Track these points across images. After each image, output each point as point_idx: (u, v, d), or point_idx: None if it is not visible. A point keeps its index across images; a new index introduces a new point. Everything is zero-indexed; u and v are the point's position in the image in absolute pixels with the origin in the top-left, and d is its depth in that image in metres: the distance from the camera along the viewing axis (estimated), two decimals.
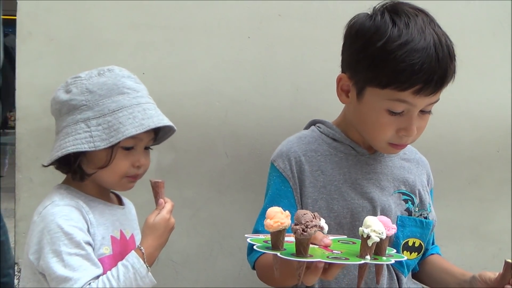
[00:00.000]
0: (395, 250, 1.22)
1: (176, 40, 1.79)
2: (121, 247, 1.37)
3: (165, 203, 1.38)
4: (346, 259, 1.06)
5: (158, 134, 1.46)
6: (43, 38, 1.71)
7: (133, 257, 1.28)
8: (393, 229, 1.12)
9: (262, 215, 1.45)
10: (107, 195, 1.43)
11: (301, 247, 1.04)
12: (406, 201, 1.49)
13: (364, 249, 1.08)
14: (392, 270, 1.47)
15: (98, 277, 1.26)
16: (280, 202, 1.42)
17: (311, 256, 1.04)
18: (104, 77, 1.34)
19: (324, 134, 1.52)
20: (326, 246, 1.12)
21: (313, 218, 1.03)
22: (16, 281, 1.98)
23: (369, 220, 1.08)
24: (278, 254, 1.04)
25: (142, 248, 1.30)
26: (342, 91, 1.45)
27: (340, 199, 1.43)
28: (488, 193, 2.03)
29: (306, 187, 1.44)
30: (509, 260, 1.25)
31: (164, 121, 1.35)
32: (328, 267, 1.07)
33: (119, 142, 1.30)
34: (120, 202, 1.50)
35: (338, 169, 1.46)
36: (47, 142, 1.40)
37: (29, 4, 1.70)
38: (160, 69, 1.79)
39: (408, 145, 1.58)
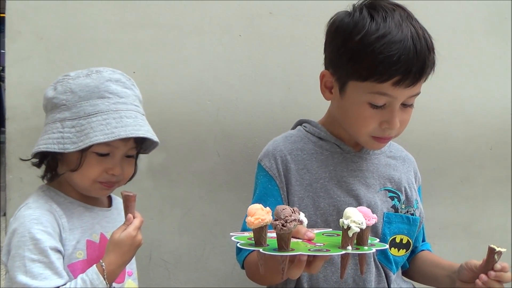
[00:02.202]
0: (378, 240, 1.23)
1: (166, 38, 1.78)
2: (100, 251, 1.33)
3: (134, 218, 1.30)
4: (328, 250, 1.08)
5: (145, 142, 1.42)
6: (33, 37, 1.69)
7: (92, 273, 1.24)
8: (373, 219, 1.14)
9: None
10: (91, 197, 1.40)
11: (282, 242, 1.05)
12: (392, 198, 1.50)
13: (345, 240, 1.10)
14: (380, 267, 1.47)
15: None
16: (267, 200, 1.44)
17: (293, 250, 1.06)
18: (89, 79, 1.32)
19: (309, 133, 1.54)
20: (309, 240, 1.14)
21: (292, 212, 1.05)
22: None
23: (349, 211, 1.11)
24: (261, 250, 1.06)
25: (103, 264, 1.25)
26: (326, 88, 1.47)
27: (326, 196, 1.44)
28: (480, 191, 2.03)
29: (292, 185, 1.45)
30: (493, 246, 1.27)
31: (140, 132, 1.29)
32: (312, 260, 1.10)
33: (90, 147, 1.27)
34: (110, 204, 1.48)
35: (324, 167, 1.47)
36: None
37: (18, 3, 1.68)
38: (151, 68, 1.78)
39: (394, 143, 1.60)
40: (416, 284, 1.62)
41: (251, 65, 1.85)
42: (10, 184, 1.73)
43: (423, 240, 1.64)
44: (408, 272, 1.60)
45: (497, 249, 1.26)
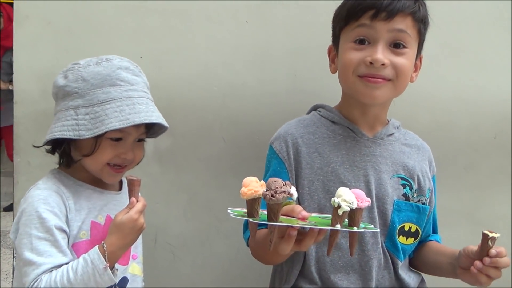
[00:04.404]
0: (372, 226, 1.25)
1: (173, 24, 1.78)
2: (104, 233, 1.36)
3: (137, 202, 1.33)
4: (315, 225, 1.10)
5: (154, 127, 1.47)
6: (40, 22, 1.70)
7: (94, 253, 1.27)
8: (366, 202, 1.14)
9: None
10: (101, 181, 1.43)
11: (272, 214, 1.07)
12: (404, 186, 1.50)
13: (335, 218, 1.11)
14: (388, 254, 1.48)
15: (61, 265, 1.27)
16: None
17: (281, 222, 1.08)
18: (100, 67, 1.35)
19: (323, 117, 1.54)
20: (303, 218, 1.14)
21: (283, 185, 1.06)
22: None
23: (341, 190, 1.12)
24: (250, 219, 1.08)
25: (104, 245, 1.27)
26: (332, 62, 1.54)
27: (336, 181, 1.44)
28: (484, 179, 2.03)
29: (302, 169, 1.46)
30: (487, 232, 1.27)
31: (152, 118, 1.34)
32: (302, 238, 1.12)
33: (105, 133, 1.30)
34: (120, 188, 1.51)
35: (336, 151, 1.48)
36: (45, 125, 1.41)
37: None
38: (157, 53, 1.78)
39: (409, 132, 1.60)
40: (424, 275, 1.62)
41: (257, 51, 1.84)
42: (18, 167, 1.75)
43: (434, 232, 1.64)
44: (412, 261, 1.61)
45: (491, 234, 1.26)
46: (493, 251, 1.26)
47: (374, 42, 1.39)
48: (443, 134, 1.97)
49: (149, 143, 1.64)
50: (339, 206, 1.10)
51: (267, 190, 1.06)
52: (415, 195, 1.51)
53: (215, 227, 1.90)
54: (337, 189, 1.42)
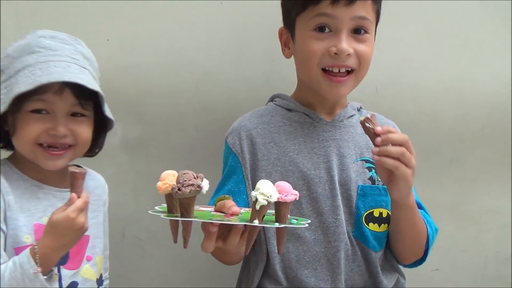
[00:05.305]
0: (309, 221, 1.15)
1: (143, 5, 1.69)
2: None
3: (77, 198, 1.15)
4: (229, 221, 1.03)
5: (98, 103, 1.30)
6: (3, 2, 1.60)
7: (24, 255, 1.13)
8: (293, 195, 1.07)
9: (216, 192, 1.44)
10: (51, 176, 1.30)
11: (183, 209, 1.02)
12: (369, 169, 1.43)
13: (253, 213, 1.04)
14: (356, 245, 1.41)
15: None
16: (230, 178, 1.42)
17: (195, 218, 1.02)
18: (24, 40, 1.25)
19: (279, 106, 1.49)
20: (232, 214, 1.08)
21: (194, 177, 1.01)
22: None
23: (260, 183, 1.05)
24: (162, 215, 1.04)
25: (36, 247, 1.13)
26: (285, 47, 1.47)
27: (295, 170, 1.39)
28: (470, 172, 1.99)
29: (259, 161, 1.41)
30: (361, 118, 1.23)
31: (66, 77, 1.18)
32: (228, 234, 1.07)
33: (22, 106, 1.19)
34: None
35: (293, 139, 1.43)
36: None
37: None
38: (126, 36, 1.69)
39: (372, 112, 1.50)
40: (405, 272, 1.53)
41: (233, 35, 1.77)
42: None
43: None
44: (392, 250, 1.49)
45: (361, 119, 1.22)
46: (378, 128, 1.21)
47: (336, 30, 1.34)
48: (428, 125, 1.92)
49: (117, 131, 1.55)
50: (256, 200, 1.03)
51: (177, 183, 1.00)
52: None
53: None
54: (296, 179, 1.38)
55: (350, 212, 1.41)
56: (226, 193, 1.37)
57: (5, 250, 1.21)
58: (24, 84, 1.17)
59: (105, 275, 1.46)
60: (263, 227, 1.27)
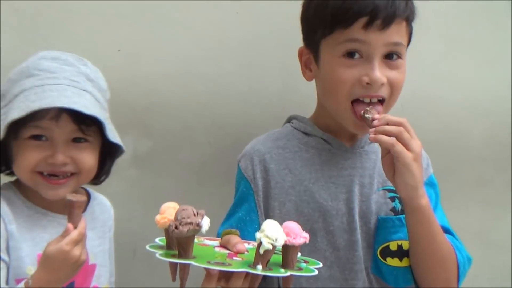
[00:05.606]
0: (320, 264, 1.08)
1: (152, 13, 1.66)
2: None
3: (73, 229, 1.06)
4: (229, 265, 0.96)
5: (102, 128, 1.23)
6: (7, 9, 1.57)
7: None
8: (302, 238, 0.99)
9: (226, 219, 1.36)
10: (58, 202, 1.23)
11: (181, 248, 0.95)
12: (392, 199, 1.34)
13: (257, 258, 0.96)
14: (375, 283, 1.32)
15: None
16: (242, 205, 1.34)
17: (194, 257, 0.96)
18: (25, 62, 1.21)
19: (296, 129, 1.41)
20: (237, 253, 1.02)
21: (194, 215, 0.94)
22: None
23: (265, 223, 0.98)
24: (157, 254, 0.97)
25: (29, 280, 1.06)
26: (306, 68, 1.38)
27: (310, 201, 1.31)
28: (497, 195, 1.90)
29: (272, 189, 1.33)
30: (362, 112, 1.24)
31: (59, 103, 1.12)
32: (230, 275, 0.98)
33: (19, 132, 1.14)
34: (84, 209, 1.30)
35: (309, 166, 1.34)
36: None
37: None
38: (134, 46, 1.65)
39: None
40: None
41: (247, 46, 1.73)
42: None
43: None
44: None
45: (364, 113, 1.23)
46: (376, 115, 1.21)
47: (367, 57, 1.26)
48: (452, 144, 1.85)
49: (127, 146, 1.50)
50: (260, 243, 0.95)
51: (174, 220, 0.95)
52: None
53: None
54: (311, 210, 1.29)
55: (369, 247, 1.32)
56: (237, 221, 1.32)
57: (7, 281, 1.15)
58: (17, 110, 1.12)
59: None
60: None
